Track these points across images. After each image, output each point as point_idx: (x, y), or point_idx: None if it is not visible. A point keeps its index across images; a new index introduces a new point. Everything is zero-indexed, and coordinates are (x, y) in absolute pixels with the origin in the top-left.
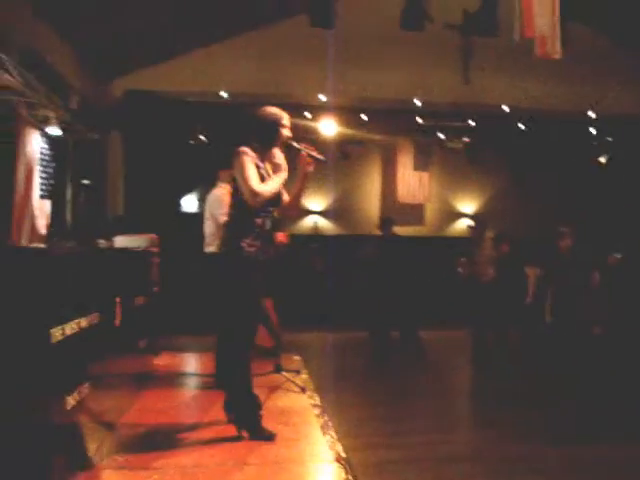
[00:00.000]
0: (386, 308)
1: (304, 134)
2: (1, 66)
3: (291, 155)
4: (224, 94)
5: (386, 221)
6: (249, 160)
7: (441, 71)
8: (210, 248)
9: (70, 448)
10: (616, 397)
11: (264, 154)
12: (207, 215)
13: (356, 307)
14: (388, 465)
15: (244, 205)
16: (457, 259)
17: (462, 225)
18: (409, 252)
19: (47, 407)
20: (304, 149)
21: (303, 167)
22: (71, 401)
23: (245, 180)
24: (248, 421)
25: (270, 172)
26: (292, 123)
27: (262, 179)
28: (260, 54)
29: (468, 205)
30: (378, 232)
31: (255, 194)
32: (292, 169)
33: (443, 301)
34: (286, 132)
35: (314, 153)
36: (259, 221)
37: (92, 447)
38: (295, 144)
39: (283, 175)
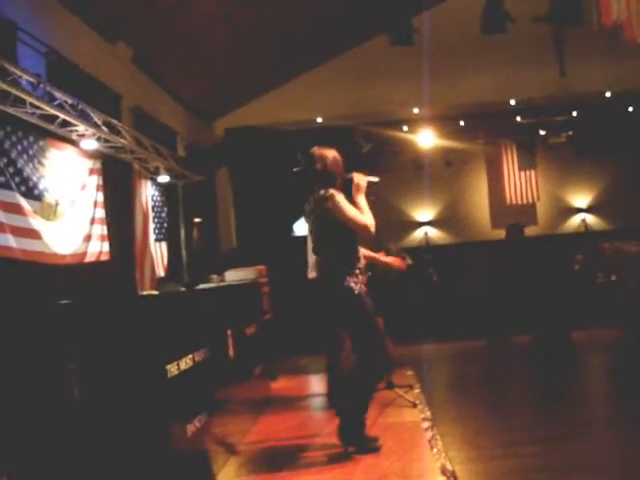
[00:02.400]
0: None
1: (404, 148)
2: (115, 131)
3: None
4: (319, 119)
5: (513, 227)
6: (342, 198)
7: (534, 66)
8: (313, 274)
9: (196, 471)
10: None
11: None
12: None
13: (473, 315)
14: (501, 477)
15: (349, 241)
16: (573, 256)
17: (577, 221)
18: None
19: (168, 436)
20: (355, 176)
21: (355, 192)
22: (191, 429)
23: (353, 220)
24: (355, 436)
25: None
26: (392, 139)
27: None
28: (349, 77)
29: (582, 199)
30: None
31: (369, 227)
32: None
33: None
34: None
35: (367, 178)
36: (360, 256)
37: (217, 470)
38: (346, 175)
39: (362, 195)
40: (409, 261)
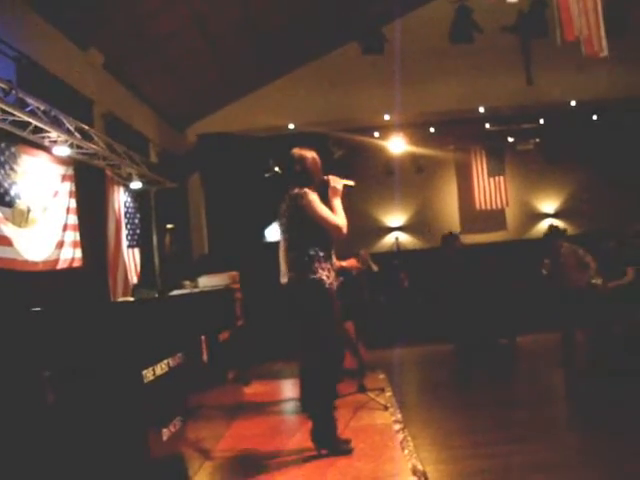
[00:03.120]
0: (470, 319)
1: (375, 154)
2: (88, 137)
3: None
4: (291, 126)
5: (449, 238)
6: (316, 197)
7: (502, 75)
8: (285, 279)
9: (171, 475)
10: None
11: (314, 191)
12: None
13: (441, 320)
14: (468, 477)
15: (322, 239)
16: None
17: (545, 225)
18: (479, 262)
19: (144, 440)
20: (332, 179)
21: (331, 195)
22: (167, 433)
23: (325, 218)
24: (328, 439)
25: None
26: (363, 145)
27: None
28: (320, 84)
29: (550, 205)
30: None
31: (341, 228)
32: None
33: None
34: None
35: (343, 181)
36: (332, 254)
37: (192, 474)
38: (323, 177)
39: (338, 197)
40: (375, 268)
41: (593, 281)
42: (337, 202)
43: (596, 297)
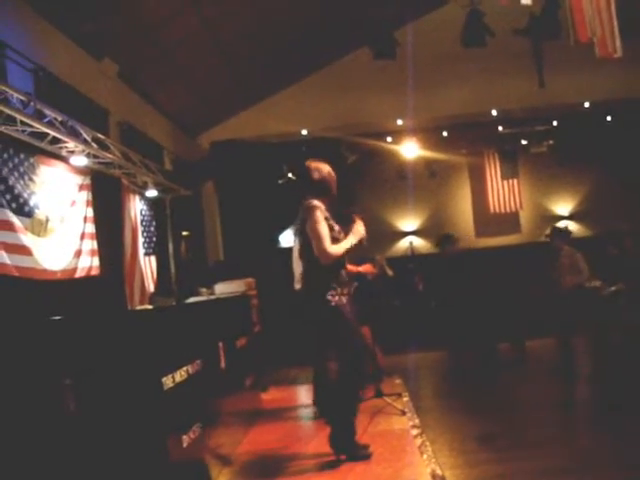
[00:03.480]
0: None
1: (388, 159)
2: (104, 146)
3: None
4: (304, 132)
5: (445, 238)
6: (321, 215)
7: (514, 78)
8: (298, 285)
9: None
10: None
11: (329, 204)
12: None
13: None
14: None
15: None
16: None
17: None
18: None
19: (165, 447)
20: (358, 222)
21: (352, 232)
22: (186, 440)
23: (319, 238)
24: (346, 444)
25: (333, 223)
26: (376, 150)
27: (331, 229)
28: (333, 90)
29: (564, 207)
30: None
31: (326, 255)
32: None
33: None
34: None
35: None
36: (339, 270)
37: (211, 479)
38: (352, 211)
39: (354, 240)
40: (390, 272)
41: (592, 284)
42: (351, 239)
43: (592, 300)
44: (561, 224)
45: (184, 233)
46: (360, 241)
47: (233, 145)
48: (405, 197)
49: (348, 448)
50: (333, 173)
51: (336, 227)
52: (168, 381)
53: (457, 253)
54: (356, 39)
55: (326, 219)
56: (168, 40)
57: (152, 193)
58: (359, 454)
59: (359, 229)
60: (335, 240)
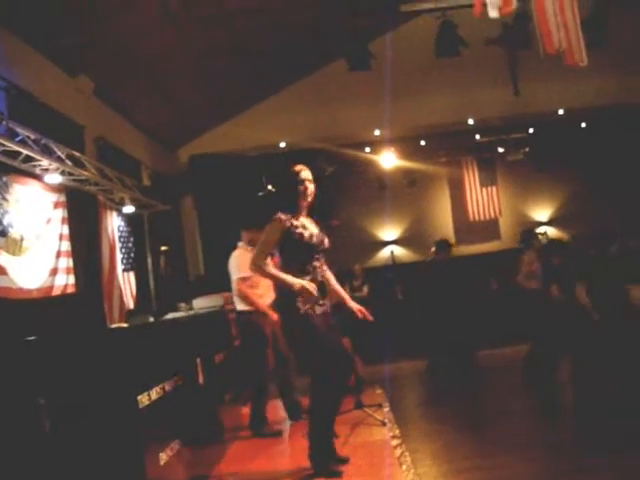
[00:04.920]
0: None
1: (367, 169)
2: (79, 164)
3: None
4: (283, 144)
5: (442, 244)
6: (276, 229)
7: (490, 87)
8: (239, 306)
9: None
10: None
11: (298, 210)
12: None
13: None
14: None
15: (295, 263)
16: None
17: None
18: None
19: (142, 465)
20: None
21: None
22: (164, 457)
23: (259, 247)
24: (318, 459)
25: (308, 225)
26: (355, 160)
27: (301, 237)
28: (310, 101)
29: (542, 212)
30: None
31: (253, 266)
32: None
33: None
34: (309, 186)
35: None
36: (315, 269)
37: None
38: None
39: (291, 283)
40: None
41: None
42: (290, 280)
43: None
44: (541, 229)
45: (163, 248)
46: (299, 290)
47: (212, 158)
48: (385, 206)
49: (317, 464)
50: (296, 171)
51: (306, 233)
52: (144, 399)
53: (450, 259)
54: (332, 51)
55: (291, 226)
56: (144, 55)
57: (129, 209)
58: (328, 471)
59: (306, 286)
60: (303, 244)
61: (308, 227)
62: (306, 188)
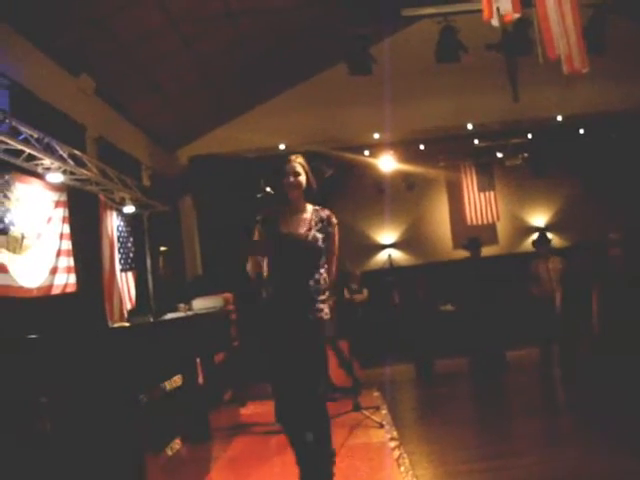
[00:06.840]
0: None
1: (366, 172)
2: (81, 163)
3: None
4: (282, 146)
5: (473, 242)
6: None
7: (489, 93)
8: None
9: None
10: None
11: (283, 203)
12: None
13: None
14: None
15: (269, 268)
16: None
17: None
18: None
19: (142, 464)
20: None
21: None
22: (164, 456)
23: None
24: None
25: (291, 216)
26: (354, 164)
27: (287, 227)
28: (310, 104)
29: (540, 218)
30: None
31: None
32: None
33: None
34: (290, 178)
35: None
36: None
37: None
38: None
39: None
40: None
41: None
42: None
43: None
44: (537, 235)
45: (162, 248)
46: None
47: (212, 160)
48: (383, 210)
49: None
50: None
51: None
52: (145, 398)
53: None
54: (333, 55)
55: (274, 220)
56: (145, 56)
57: (130, 209)
58: None
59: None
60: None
61: (288, 219)
62: (287, 180)
